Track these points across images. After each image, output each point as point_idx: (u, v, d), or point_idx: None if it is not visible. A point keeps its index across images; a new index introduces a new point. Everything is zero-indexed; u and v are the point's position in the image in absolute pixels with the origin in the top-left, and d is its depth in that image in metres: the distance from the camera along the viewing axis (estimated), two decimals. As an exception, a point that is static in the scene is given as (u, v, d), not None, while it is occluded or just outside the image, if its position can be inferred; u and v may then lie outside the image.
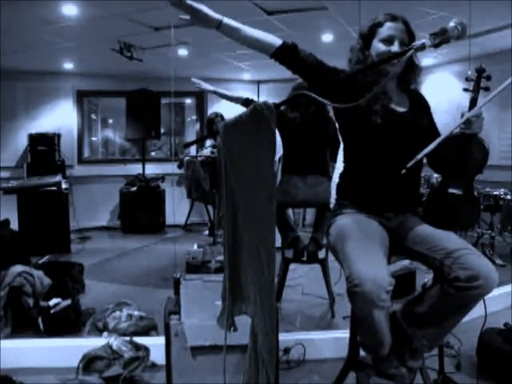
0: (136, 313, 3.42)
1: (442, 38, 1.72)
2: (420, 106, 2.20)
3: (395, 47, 2.03)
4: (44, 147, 7.07)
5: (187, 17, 1.85)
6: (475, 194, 2.25)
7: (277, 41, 1.98)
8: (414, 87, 2.23)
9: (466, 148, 2.06)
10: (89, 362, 2.77)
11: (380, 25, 2.08)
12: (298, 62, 2.01)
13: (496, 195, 5.57)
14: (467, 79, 2.14)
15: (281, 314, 3.48)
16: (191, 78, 4.04)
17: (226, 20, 1.90)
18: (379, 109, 2.03)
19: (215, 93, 4.15)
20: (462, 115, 1.93)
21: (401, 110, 2.12)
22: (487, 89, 2.08)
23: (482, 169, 2.16)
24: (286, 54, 2.00)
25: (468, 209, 2.16)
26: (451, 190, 2.12)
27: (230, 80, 8.19)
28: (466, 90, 2.13)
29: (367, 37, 2.12)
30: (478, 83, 2.10)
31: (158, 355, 2.82)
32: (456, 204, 2.11)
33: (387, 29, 2.06)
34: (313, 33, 5.50)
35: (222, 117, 6.55)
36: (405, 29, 2.06)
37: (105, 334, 3.16)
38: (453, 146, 2.01)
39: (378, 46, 2.07)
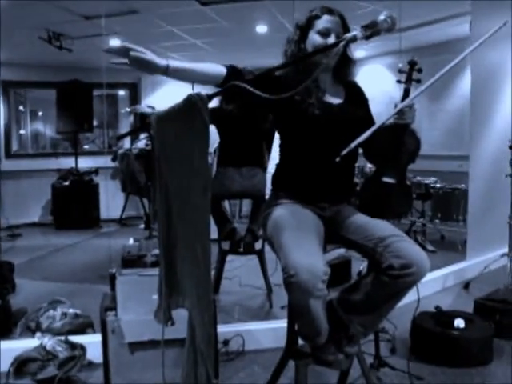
0: (71, 311, 3.32)
1: (372, 31, 1.76)
2: (356, 98, 2.23)
3: (331, 39, 2.05)
4: (-33, 141, 6.76)
5: (123, 60, 1.69)
6: (408, 182, 2.32)
7: (221, 70, 1.90)
8: (351, 79, 2.26)
9: (399, 138, 2.11)
10: (21, 365, 2.65)
11: (317, 17, 2.09)
12: None
13: (427, 184, 5.78)
14: (400, 71, 2.18)
15: (219, 306, 3.47)
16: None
17: (172, 63, 1.75)
18: (315, 101, 2.04)
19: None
20: (395, 106, 1.98)
21: (335, 101, 2.14)
22: (419, 81, 2.14)
23: (415, 158, 2.22)
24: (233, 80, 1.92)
25: (401, 197, 2.22)
26: (385, 179, 2.17)
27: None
28: (399, 81, 2.19)
29: (304, 28, 2.13)
30: (410, 75, 2.16)
31: (95, 353, 2.73)
32: (390, 193, 2.16)
33: (324, 21, 2.08)
34: (248, 24, 5.49)
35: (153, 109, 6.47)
36: (341, 23, 2.08)
37: (38, 334, 3.04)
38: (386, 135, 2.06)
39: (315, 38, 2.09)
